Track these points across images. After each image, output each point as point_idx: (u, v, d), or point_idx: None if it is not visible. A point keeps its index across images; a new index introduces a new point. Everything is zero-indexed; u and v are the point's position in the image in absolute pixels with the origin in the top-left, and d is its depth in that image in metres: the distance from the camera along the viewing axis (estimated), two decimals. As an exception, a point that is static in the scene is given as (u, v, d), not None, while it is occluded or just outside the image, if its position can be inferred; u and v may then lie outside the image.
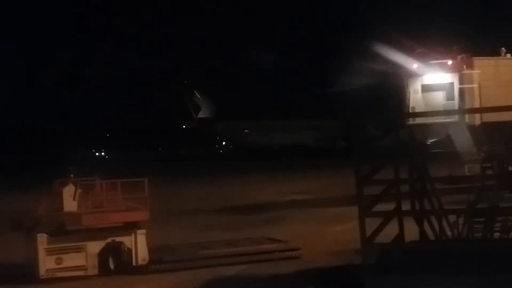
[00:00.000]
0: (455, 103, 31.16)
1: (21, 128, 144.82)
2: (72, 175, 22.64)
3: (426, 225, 13.16)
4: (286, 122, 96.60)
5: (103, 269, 19.51)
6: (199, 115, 37.51)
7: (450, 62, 31.72)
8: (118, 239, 19.68)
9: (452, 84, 31.69)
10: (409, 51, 32.43)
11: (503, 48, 32.07)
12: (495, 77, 31.35)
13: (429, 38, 38.00)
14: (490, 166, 18.37)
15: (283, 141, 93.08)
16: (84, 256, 19.39)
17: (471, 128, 30.33)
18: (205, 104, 37.27)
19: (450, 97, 31.63)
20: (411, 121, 27.42)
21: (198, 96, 37.54)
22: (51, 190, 21.42)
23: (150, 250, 19.90)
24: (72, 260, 19.31)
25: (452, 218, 14.27)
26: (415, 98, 32.20)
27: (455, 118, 29.87)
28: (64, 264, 19.20)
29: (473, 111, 31.16)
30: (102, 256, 19.54)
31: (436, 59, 31.98)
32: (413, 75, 32.35)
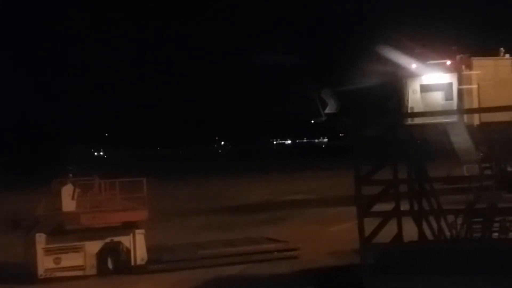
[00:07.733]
0: (454, 103, 31.13)
1: (19, 128, 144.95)
2: (70, 175, 22.66)
3: (424, 225, 13.16)
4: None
5: (102, 269, 19.47)
6: (327, 111, 37.86)
7: (449, 62, 31.66)
8: (116, 239, 19.65)
9: (451, 84, 31.65)
10: (408, 51, 32.35)
11: (502, 49, 32.03)
12: (494, 78, 31.31)
13: (428, 38, 37.99)
14: (489, 166, 18.45)
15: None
16: (83, 256, 19.36)
17: (470, 128, 30.30)
18: (332, 100, 37.52)
19: (449, 97, 31.59)
20: (409, 121, 27.41)
21: (326, 92, 37.78)
22: (49, 190, 21.43)
23: (149, 250, 19.88)
24: (71, 260, 19.28)
25: (450, 218, 14.28)
26: (414, 98, 32.15)
27: (453, 118, 29.85)
28: (63, 264, 19.18)
29: (471, 111, 31.12)
30: (101, 256, 19.51)
31: (435, 59, 31.92)
32: (411, 75, 32.29)
